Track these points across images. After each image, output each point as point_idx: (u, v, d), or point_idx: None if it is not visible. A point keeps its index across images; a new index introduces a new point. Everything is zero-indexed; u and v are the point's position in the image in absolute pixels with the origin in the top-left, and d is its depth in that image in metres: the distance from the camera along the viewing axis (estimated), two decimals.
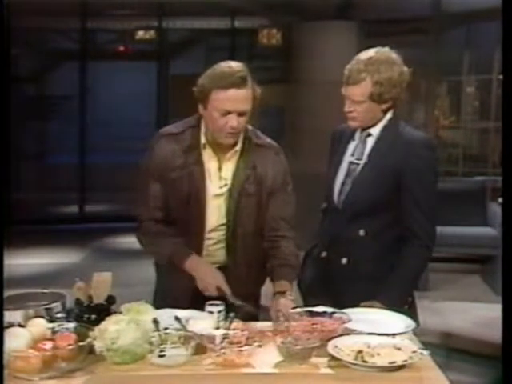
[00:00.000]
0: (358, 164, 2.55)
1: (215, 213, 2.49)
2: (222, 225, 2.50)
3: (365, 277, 2.50)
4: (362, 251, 2.52)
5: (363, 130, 2.56)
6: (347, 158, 2.59)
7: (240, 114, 2.37)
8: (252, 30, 10.15)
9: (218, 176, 2.49)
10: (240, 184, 2.47)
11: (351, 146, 2.60)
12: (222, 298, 2.32)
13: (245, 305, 2.34)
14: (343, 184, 2.56)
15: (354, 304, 2.34)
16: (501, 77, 7.73)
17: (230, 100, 2.34)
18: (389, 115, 2.53)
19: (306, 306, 2.26)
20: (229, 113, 2.35)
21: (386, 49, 2.52)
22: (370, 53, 2.49)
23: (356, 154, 2.57)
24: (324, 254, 2.62)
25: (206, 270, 2.42)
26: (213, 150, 2.47)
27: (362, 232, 2.51)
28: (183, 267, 2.42)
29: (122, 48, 11.91)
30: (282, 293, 2.34)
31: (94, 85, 10.29)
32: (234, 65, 2.39)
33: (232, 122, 2.36)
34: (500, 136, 1.91)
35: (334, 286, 2.57)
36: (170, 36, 10.60)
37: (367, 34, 7.29)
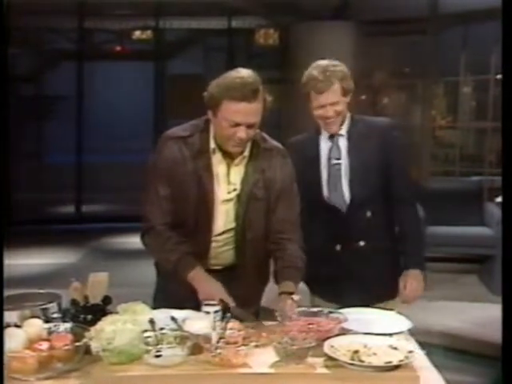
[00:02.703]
0: (339, 164, 2.71)
1: (223, 217, 2.47)
2: (230, 229, 2.48)
3: (384, 251, 2.75)
4: (373, 229, 2.74)
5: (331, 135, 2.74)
6: (324, 161, 2.73)
7: (249, 126, 2.34)
8: (249, 30, 10.14)
9: (227, 181, 2.46)
10: (249, 189, 2.45)
11: (323, 151, 2.74)
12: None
13: (247, 316, 2.29)
14: (329, 183, 2.71)
15: (382, 278, 2.70)
16: (498, 77, 7.75)
17: (241, 113, 2.30)
18: (348, 115, 2.75)
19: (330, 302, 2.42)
20: (238, 124, 2.32)
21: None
22: (320, 63, 2.68)
23: (333, 155, 2.73)
24: (338, 247, 2.73)
25: (209, 284, 2.37)
26: (222, 155, 2.45)
27: (368, 213, 2.73)
28: (186, 278, 2.38)
29: (119, 48, 11.91)
30: (288, 294, 2.32)
31: (92, 85, 10.29)
32: (246, 75, 2.33)
33: (241, 134, 2.33)
34: (497, 136, 1.92)
35: (357, 269, 2.72)
36: (168, 36, 10.59)
37: (364, 34, 7.28)
